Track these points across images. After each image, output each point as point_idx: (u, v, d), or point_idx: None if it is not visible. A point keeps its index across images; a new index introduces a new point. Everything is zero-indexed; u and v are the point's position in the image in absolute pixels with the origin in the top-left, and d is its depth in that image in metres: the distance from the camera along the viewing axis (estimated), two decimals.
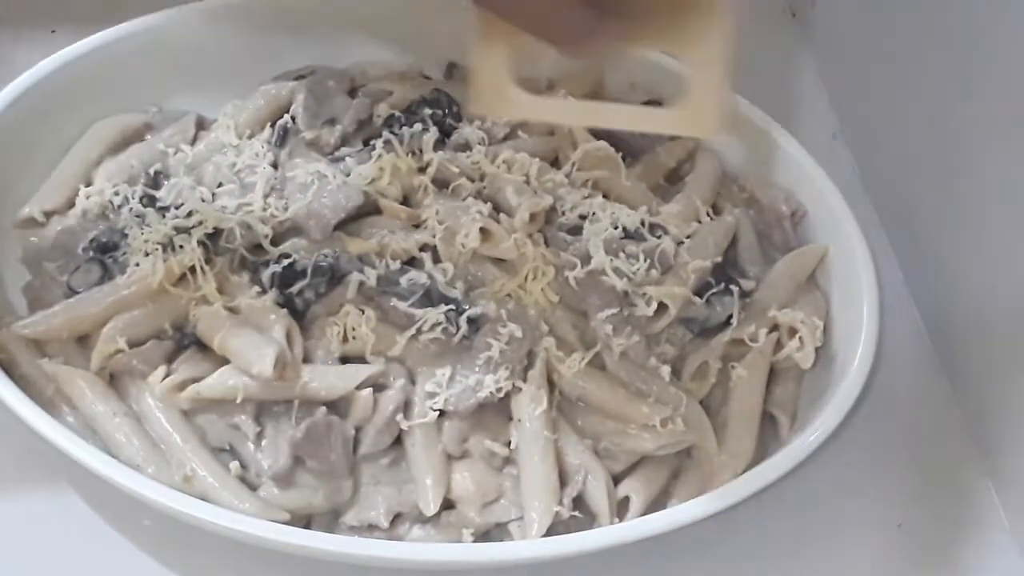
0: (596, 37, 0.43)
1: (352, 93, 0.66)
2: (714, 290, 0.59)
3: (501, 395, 0.54)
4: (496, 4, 0.43)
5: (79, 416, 0.55)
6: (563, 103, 0.59)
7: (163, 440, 0.54)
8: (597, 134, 0.65)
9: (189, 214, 0.58)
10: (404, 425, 0.54)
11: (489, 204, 0.58)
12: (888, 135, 0.72)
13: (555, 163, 0.64)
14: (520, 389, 0.54)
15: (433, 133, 0.62)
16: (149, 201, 0.60)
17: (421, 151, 0.62)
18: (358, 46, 0.70)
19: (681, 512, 0.52)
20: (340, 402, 0.54)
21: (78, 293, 0.57)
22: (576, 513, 0.54)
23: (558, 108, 0.55)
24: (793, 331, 0.59)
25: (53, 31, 0.68)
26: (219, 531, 0.50)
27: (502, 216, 0.59)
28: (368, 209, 0.59)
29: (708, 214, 0.64)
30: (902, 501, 0.60)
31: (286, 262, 0.56)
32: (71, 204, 0.61)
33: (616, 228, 0.59)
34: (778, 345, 0.60)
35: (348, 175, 0.59)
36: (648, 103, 0.69)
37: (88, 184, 0.62)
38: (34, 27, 0.65)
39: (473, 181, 0.60)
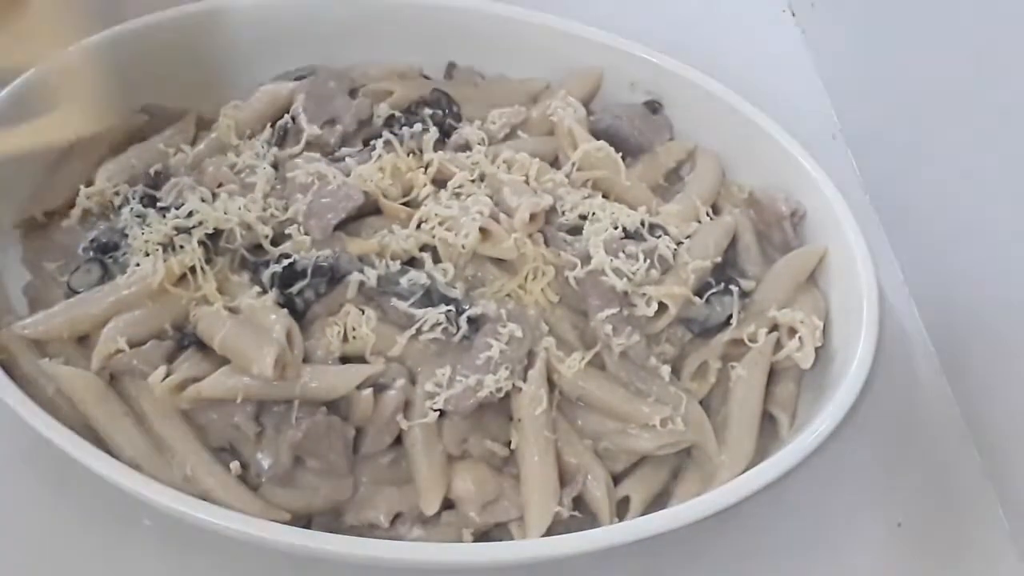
0: None
1: (352, 93, 0.66)
2: (714, 290, 0.59)
3: (501, 395, 0.54)
4: None
5: (79, 416, 0.55)
6: None
7: (163, 440, 0.54)
8: (597, 134, 0.65)
9: (189, 214, 0.57)
10: (404, 425, 0.54)
11: (489, 204, 0.58)
12: (888, 135, 0.72)
13: (555, 163, 0.64)
14: (520, 389, 0.54)
15: (433, 133, 0.62)
16: (150, 201, 0.60)
17: (421, 151, 0.62)
18: (358, 46, 0.70)
19: (681, 512, 0.52)
20: (340, 402, 0.54)
21: (78, 293, 0.57)
22: (576, 513, 0.54)
23: None
24: (793, 331, 0.59)
25: None
26: (219, 531, 0.50)
27: (502, 216, 0.59)
28: (368, 209, 0.59)
29: (708, 214, 0.64)
30: (902, 501, 0.60)
31: (286, 262, 0.56)
32: (71, 204, 0.61)
33: (616, 228, 0.59)
34: (778, 345, 0.60)
35: (348, 175, 0.59)
36: (648, 103, 0.69)
37: (88, 184, 0.62)
38: None
39: (473, 181, 0.60)
